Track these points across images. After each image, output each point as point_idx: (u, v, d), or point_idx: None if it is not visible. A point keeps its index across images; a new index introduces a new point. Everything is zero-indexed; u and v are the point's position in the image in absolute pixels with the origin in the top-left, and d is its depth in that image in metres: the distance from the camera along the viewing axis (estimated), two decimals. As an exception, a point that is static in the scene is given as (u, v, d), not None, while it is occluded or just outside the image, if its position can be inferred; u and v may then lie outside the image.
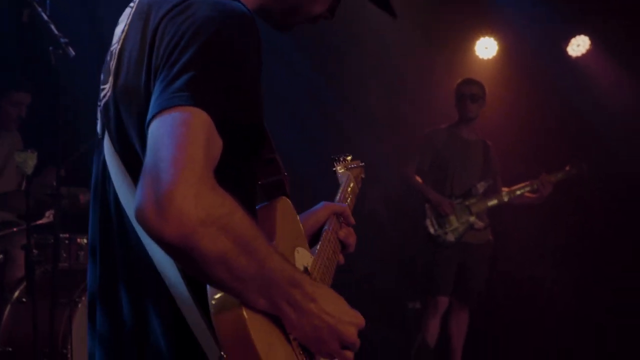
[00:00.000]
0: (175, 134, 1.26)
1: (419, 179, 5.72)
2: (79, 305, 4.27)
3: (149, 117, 1.32)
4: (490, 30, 7.03)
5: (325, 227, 1.93)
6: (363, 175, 2.38)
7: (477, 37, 7.05)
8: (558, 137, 6.83)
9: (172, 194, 1.20)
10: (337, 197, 2.12)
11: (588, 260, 6.84)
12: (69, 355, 4.19)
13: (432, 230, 5.59)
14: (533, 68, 6.91)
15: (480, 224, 5.65)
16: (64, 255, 4.69)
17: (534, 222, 6.75)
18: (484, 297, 5.93)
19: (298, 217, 1.77)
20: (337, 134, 6.72)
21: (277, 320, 1.38)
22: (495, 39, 7.00)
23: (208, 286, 1.33)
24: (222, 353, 1.30)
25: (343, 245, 1.97)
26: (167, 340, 1.42)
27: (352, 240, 1.99)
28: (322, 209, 1.98)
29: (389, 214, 7.00)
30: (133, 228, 1.45)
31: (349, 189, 2.20)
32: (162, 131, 1.28)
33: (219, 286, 1.31)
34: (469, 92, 5.73)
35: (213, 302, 1.32)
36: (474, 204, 5.66)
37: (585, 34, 6.87)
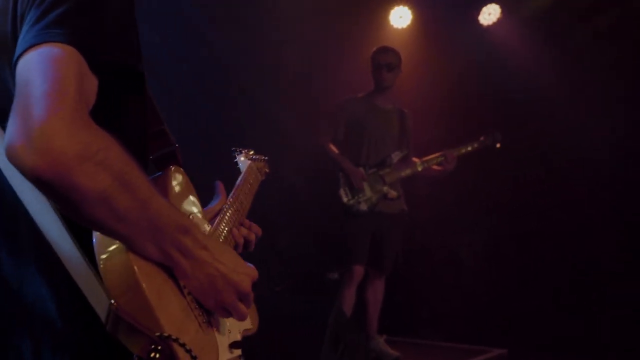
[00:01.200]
0: (44, 69, 1.19)
1: (334, 148, 5.69)
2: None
3: (15, 55, 1.25)
4: (405, 0, 7.03)
5: (225, 205, 1.87)
6: (267, 170, 2.35)
7: (392, 6, 7.05)
8: (473, 106, 6.90)
9: (44, 128, 1.13)
10: (237, 184, 2.06)
11: (498, 229, 7.00)
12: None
13: (345, 200, 5.59)
14: (447, 37, 6.94)
15: (393, 194, 5.66)
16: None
17: (449, 192, 6.85)
18: (400, 265, 5.98)
19: (192, 186, 1.69)
20: (249, 105, 6.63)
21: (169, 272, 1.33)
22: (409, 8, 7.00)
23: (94, 232, 1.27)
24: (112, 301, 1.23)
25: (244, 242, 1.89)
26: (54, 298, 1.35)
27: (241, 241, 1.87)
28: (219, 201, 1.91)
29: (306, 184, 6.99)
30: (7, 180, 1.37)
31: (251, 179, 2.16)
32: (30, 67, 1.20)
33: (102, 229, 1.25)
34: (385, 61, 5.71)
35: (99, 248, 1.26)
36: (388, 173, 5.67)
37: (496, 3, 6.93)
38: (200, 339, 1.37)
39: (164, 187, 1.57)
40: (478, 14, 6.98)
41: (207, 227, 1.67)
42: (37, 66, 1.20)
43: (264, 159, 2.36)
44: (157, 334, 1.24)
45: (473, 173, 6.44)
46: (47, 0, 1.28)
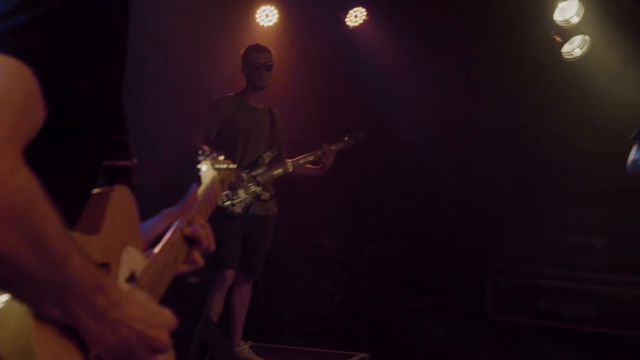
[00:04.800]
0: None
1: (207, 148, 5.46)
2: None
3: None
4: (271, -1, 6.96)
5: (168, 233, 1.63)
6: (233, 179, 2.15)
7: (258, 5, 6.93)
8: (340, 106, 6.96)
9: None
10: (197, 200, 1.83)
11: (358, 225, 7.08)
12: None
13: (220, 202, 5.38)
14: (314, 37, 6.97)
15: (266, 195, 5.53)
16: None
17: (314, 191, 6.85)
18: (264, 270, 5.88)
19: (137, 212, 1.46)
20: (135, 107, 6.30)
21: (75, 335, 1.14)
22: (276, 7, 6.91)
23: None
24: None
25: (192, 244, 1.69)
26: None
27: (202, 232, 1.69)
28: (162, 218, 1.71)
29: (170, 186, 6.74)
30: None
31: (212, 194, 1.93)
32: None
33: (2, 288, 1.04)
34: (264, 60, 5.58)
35: None
36: (261, 174, 5.54)
37: (363, 6, 6.98)
38: None
39: (103, 208, 1.34)
40: (345, 15, 6.98)
41: (140, 262, 1.43)
42: None
43: (230, 168, 2.15)
44: None
45: (336, 173, 6.45)
46: (14, 1, 1.05)
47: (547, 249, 6.89)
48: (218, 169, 2.08)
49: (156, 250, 1.54)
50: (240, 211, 5.41)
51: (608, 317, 6.47)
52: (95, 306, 1.14)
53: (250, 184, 5.48)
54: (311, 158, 5.74)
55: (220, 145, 5.49)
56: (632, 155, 4.75)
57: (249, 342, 5.73)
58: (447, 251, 7.27)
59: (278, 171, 5.63)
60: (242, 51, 5.69)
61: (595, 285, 6.58)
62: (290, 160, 5.72)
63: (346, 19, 7.01)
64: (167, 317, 1.29)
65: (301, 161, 5.73)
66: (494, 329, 6.72)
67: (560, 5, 6.13)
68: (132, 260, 1.39)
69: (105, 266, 1.26)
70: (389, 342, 6.49)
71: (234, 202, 5.40)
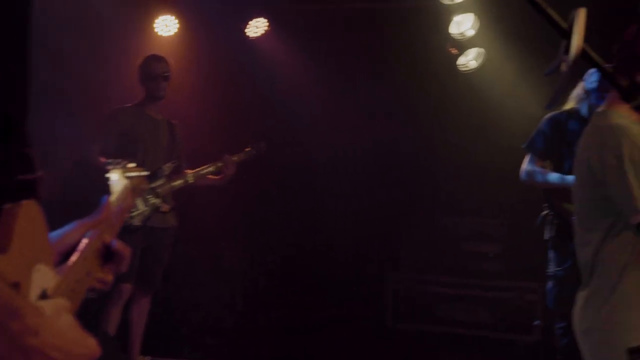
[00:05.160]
0: None
1: (104, 160, 5.36)
2: None
3: None
4: (170, 8, 6.86)
5: (81, 246, 1.58)
6: (145, 186, 2.11)
7: (157, 15, 6.84)
8: (242, 117, 6.95)
9: None
10: (109, 212, 1.78)
11: (259, 236, 7.15)
12: None
13: (117, 215, 5.28)
14: (215, 47, 6.93)
15: (166, 207, 5.46)
16: None
17: (215, 202, 6.81)
18: (162, 283, 5.81)
19: (46, 227, 1.41)
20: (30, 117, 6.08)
21: None
22: (176, 17, 6.84)
23: None
24: None
25: (110, 258, 1.65)
26: None
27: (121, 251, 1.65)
28: (75, 229, 1.66)
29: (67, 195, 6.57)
30: None
31: (124, 205, 1.89)
32: None
33: None
34: (162, 71, 5.53)
35: None
36: (160, 186, 5.46)
37: (264, 17, 6.98)
38: None
39: (9, 225, 1.28)
40: (245, 26, 6.97)
41: (51, 279, 1.38)
42: None
43: (141, 176, 2.10)
44: None
45: (238, 183, 6.44)
46: None
47: (443, 257, 7.06)
48: (129, 177, 2.05)
49: (69, 264, 1.50)
50: (138, 223, 5.32)
51: (502, 322, 6.68)
52: (9, 332, 1.09)
53: (150, 196, 5.40)
54: (212, 169, 5.71)
55: (118, 156, 5.37)
56: (526, 164, 4.94)
57: (148, 357, 5.65)
58: (347, 262, 7.35)
59: (178, 182, 5.57)
60: (139, 61, 5.61)
61: (490, 292, 6.78)
62: (191, 171, 5.67)
63: (246, 30, 6.99)
64: (89, 347, 1.22)
65: (202, 172, 5.68)
66: (392, 337, 6.83)
67: (456, 18, 6.29)
68: (42, 277, 1.34)
69: (15, 286, 1.21)
70: (287, 353, 6.51)
71: (132, 214, 5.30)
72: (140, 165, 5.33)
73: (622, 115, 2.60)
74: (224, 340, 6.66)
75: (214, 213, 6.94)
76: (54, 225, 1.66)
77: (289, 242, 7.25)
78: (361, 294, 7.09)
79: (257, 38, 7.04)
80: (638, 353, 2.51)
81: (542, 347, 6.35)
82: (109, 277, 1.67)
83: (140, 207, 5.33)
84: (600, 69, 1.45)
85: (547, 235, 4.96)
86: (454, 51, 6.51)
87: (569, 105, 4.97)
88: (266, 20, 6.98)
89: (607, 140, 2.58)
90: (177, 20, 6.84)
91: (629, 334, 2.56)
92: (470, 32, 6.33)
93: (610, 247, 2.60)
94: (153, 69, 5.52)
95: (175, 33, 6.88)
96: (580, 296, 2.73)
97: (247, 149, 5.94)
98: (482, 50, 6.51)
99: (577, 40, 1.31)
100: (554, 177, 4.80)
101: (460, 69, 6.57)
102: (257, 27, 6.99)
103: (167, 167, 5.50)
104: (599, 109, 2.82)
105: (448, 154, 7.14)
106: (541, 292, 6.40)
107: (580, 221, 2.73)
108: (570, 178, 4.51)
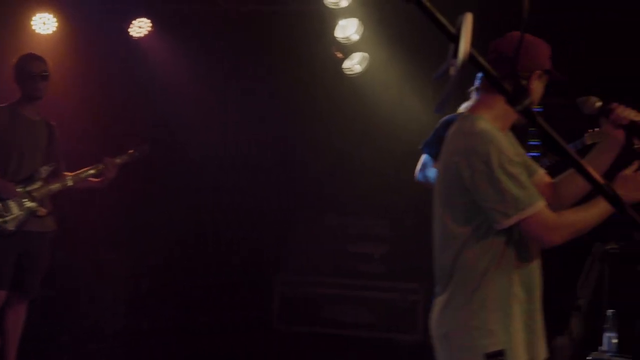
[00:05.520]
0: None
1: None
2: None
3: None
4: (47, 6, 6.64)
5: None
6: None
7: (34, 12, 6.61)
8: (124, 118, 6.82)
9: None
10: None
11: (141, 239, 7.08)
12: None
13: (-12, 220, 5.06)
14: (97, 47, 6.78)
15: (43, 211, 5.27)
16: None
17: (96, 205, 6.66)
18: (42, 289, 5.61)
19: None
20: None
21: None
22: (54, 15, 6.63)
23: None
24: None
25: None
26: None
27: None
28: None
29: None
30: None
31: None
32: None
33: None
34: (40, 70, 5.30)
35: None
36: (37, 189, 5.26)
37: (147, 17, 6.87)
38: None
39: None
40: (128, 25, 6.84)
41: None
42: None
43: None
44: None
45: (119, 186, 6.32)
46: None
47: (329, 258, 7.13)
48: None
49: None
50: (12, 228, 5.11)
51: (386, 323, 6.80)
52: None
53: (25, 200, 5.19)
54: (92, 172, 5.55)
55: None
56: (421, 166, 5.01)
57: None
58: (233, 264, 7.33)
59: (56, 186, 5.38)
60: (14, 60, 5.39)
61: (374, 292, 6.89)
62: (70, 174, 5.50)
63: (130, 29, 6.86)
64: None
65: (82, 175, 5.51)
66: (279, 340, 6.85)
67: (341, 22, 6.35)
68: None
69: None
70: (172, 357, 6.44)
71: (6, 218, 5.09)
72: (15, 169, 5.20)
73: (486, 120, 2.61)
74: (106, 346, 6.51)
75: (95, 216, 6.78)
76: None
77: (172, 244, 7.16)
78: (247, 296, 7.08)
79: (141, 38, 6.92)
80: (495, 357, 2.54)
81: (425, 346, 6.50)
82: None
83: (15, 211, 5.12)
84: (486, 73, 1.47)
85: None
86: (339, 55, 6.58)
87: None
88: (149, 20, 6.86)
89: (475, 146, 2.56)
90: (55, 18, 6.63)
91: (487, 339, 2.56)
92: (355, 37, 6.40)
93: (471, 252, 2.59)
94: (29, 67, 5.31)
95: (54, 31, 6.67)
96: (438, 301, 2.70)
97: (130, 151, 5.81)
98: (366, 54, 6.60)
99: (464, 44, 1.33)
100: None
101: (346, 72, 6.64)
102: (140, 27, 6.88)
103: (44, 170, 5.31)
104: (464, 113, 2.84)
105: (333, 157, 7.21)
106: (423, 293, 6.58)
107: (440, 225, 2.71)
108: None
